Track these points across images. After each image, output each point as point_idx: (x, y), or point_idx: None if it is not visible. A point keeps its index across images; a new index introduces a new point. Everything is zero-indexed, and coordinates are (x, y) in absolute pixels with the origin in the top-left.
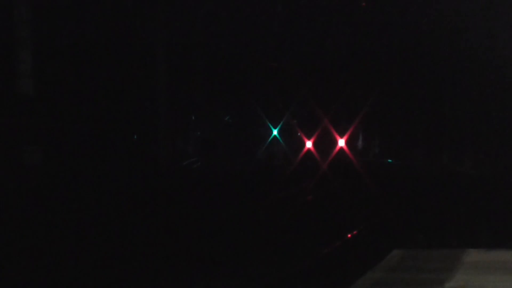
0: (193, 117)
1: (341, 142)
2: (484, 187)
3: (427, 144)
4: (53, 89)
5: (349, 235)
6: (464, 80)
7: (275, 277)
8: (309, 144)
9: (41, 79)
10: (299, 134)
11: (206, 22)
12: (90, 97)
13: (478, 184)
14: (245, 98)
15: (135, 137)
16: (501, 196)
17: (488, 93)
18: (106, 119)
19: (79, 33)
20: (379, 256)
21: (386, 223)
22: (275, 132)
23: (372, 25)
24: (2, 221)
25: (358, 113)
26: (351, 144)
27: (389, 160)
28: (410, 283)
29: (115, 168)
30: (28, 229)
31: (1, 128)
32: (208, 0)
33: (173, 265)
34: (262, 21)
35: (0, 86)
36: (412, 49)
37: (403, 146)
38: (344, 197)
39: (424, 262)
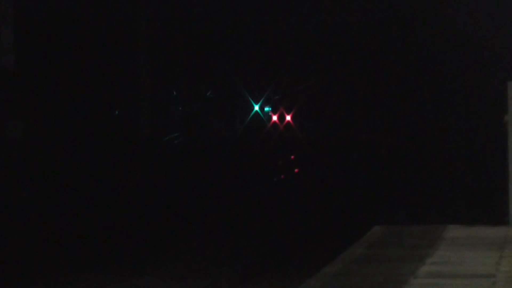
0: (174, 92)
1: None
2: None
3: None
4: (35, 64)
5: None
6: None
7: (254, 253)
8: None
9: (23, 54)
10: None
11: None
12: (71, 72)
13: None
14: (227, 73)
15: (116, 112)
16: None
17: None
18: (88, 94)
19: (61, 9)
20: (360, 232)
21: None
22: (256, 107)
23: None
24: None
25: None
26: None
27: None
28: (391, 259)
29: (96, 143)
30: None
31: None
32: None
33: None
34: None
35: None
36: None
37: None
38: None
39: (405, 238)
